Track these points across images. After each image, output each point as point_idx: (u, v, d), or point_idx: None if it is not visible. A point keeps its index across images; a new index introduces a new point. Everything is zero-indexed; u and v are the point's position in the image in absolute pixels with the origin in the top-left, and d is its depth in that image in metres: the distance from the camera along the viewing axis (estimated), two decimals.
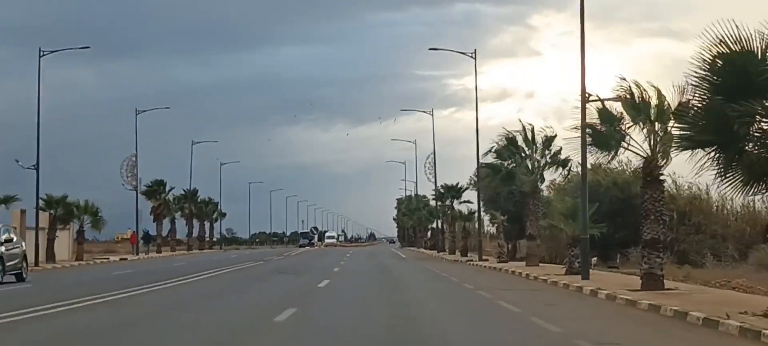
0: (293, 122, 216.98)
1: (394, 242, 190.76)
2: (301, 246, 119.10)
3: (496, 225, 41.58)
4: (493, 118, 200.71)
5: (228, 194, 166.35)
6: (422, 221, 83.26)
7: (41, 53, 44.79)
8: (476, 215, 49.22)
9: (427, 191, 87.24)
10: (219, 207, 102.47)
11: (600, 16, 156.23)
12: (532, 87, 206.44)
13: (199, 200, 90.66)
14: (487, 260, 45.39)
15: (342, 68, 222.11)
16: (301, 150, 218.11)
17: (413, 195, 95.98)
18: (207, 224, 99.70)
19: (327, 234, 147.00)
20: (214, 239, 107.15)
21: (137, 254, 64.12)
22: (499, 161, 35.00)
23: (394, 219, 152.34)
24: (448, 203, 61.89)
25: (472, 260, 48.22)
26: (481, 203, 49.68)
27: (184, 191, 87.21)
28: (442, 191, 62.01)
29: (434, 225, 73.15)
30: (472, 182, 54.33)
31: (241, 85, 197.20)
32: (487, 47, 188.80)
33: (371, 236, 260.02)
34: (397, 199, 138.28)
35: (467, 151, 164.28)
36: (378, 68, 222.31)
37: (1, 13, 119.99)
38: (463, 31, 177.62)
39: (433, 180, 66.17)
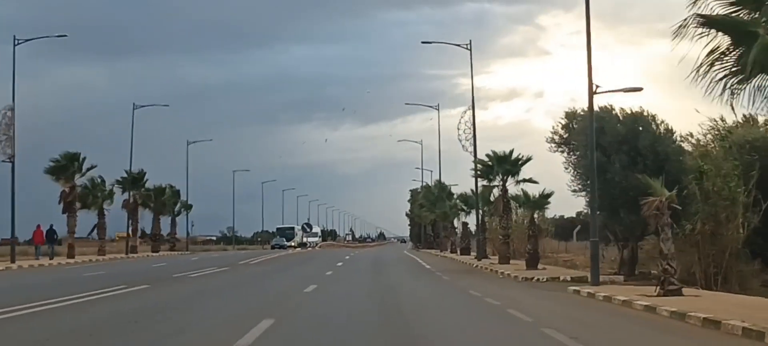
0: (303, 121, 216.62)
1: (405, 242, 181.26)
2: (274, 247, 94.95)
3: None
4: (502, 118, 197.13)
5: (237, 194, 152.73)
6: (448, 215, 60.13)
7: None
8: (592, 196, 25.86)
9: (456, 175, 65.38)
10: (185, 198, 79.87)
11: (611, 16, 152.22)
12: (541, 87, 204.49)
13: (145, 185, 67.72)
14: (597, 283, 22.45)
15: (352, 67, 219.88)
16: (310, 149, 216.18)
17: (433, 183, 72.88)
18: (166, 220, 77.38)
19: (287, 227, 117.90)
20: (178, 235, 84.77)
21: (13, 261, 41.40)
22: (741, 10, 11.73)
23: (407, 215, 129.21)
24: (497, 183, 38.87)
25: (559, 279, 25.55)
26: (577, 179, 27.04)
27: (126, 172, 64.42)
28: (488, 163, 38.88)
29: (472, 219, 49.63)
30: (554, 136, 31.31)
31: (251, 84, 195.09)
32: (496, 47, 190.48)
33: (380, 236, 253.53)
34: (411, 190, 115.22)
35: (479, 150, 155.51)
36: (388, 67, 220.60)
37: (8, 12, 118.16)
38: (472, 30, 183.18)
39: (470, 149, 43.01)
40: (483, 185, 39.75)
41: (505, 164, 38.08)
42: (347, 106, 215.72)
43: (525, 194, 33.21)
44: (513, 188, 38.60)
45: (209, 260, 46.64)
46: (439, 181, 66.45)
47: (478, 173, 39.97)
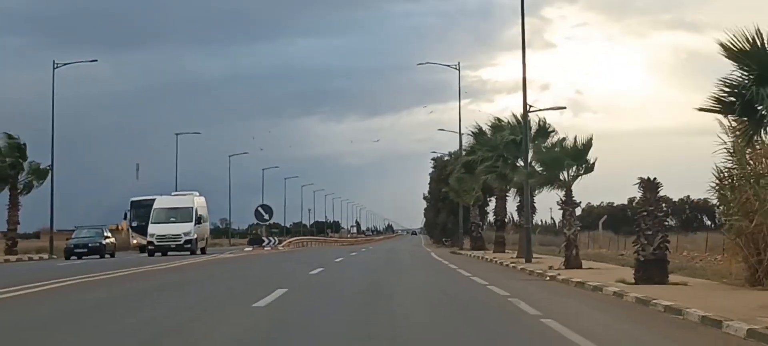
0: (309, 113, 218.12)
1: (415, 234, 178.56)
2: (73, 252, 41.84)
3: None
4: (508, 110, 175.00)
5: (243, 186, 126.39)
6: (547, 170, 23.68)
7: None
8: None
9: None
10: (51, 162, 44.80)
11: (617, 7, 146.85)
12: (546, 79, 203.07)
13: None
14: None
15: (357, 59, 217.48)
16: (315, 141, 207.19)
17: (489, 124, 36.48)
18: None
19: (153, 201, 49.52)
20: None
21: None
22: None
23: (425, 197, 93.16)
24: None
25: None
26: None
27: None
28: None
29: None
30: None
31: (257, 75, 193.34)
32: (501, 39, 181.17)
33: (389, 228, 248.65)
34: (434, 159, 79.11)
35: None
36: (393, 59, 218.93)
37: (17, 1, 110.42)
38: (478, 22, 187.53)
39: None
40: None
41: None
42: (354, 99, 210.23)
43: None
44: None
45: None
46: (524, 114, 30.10)
47: None
